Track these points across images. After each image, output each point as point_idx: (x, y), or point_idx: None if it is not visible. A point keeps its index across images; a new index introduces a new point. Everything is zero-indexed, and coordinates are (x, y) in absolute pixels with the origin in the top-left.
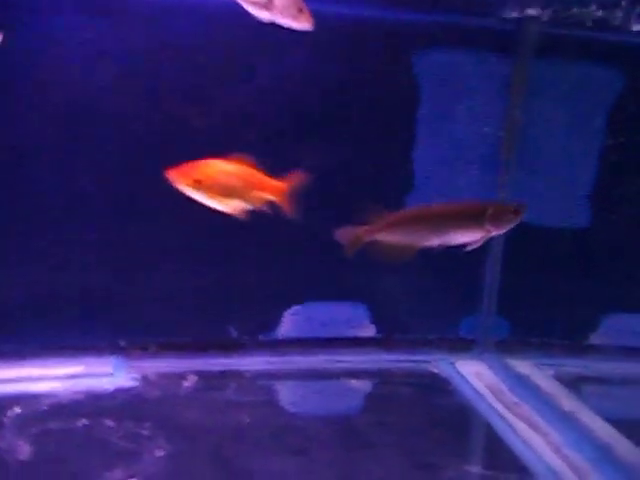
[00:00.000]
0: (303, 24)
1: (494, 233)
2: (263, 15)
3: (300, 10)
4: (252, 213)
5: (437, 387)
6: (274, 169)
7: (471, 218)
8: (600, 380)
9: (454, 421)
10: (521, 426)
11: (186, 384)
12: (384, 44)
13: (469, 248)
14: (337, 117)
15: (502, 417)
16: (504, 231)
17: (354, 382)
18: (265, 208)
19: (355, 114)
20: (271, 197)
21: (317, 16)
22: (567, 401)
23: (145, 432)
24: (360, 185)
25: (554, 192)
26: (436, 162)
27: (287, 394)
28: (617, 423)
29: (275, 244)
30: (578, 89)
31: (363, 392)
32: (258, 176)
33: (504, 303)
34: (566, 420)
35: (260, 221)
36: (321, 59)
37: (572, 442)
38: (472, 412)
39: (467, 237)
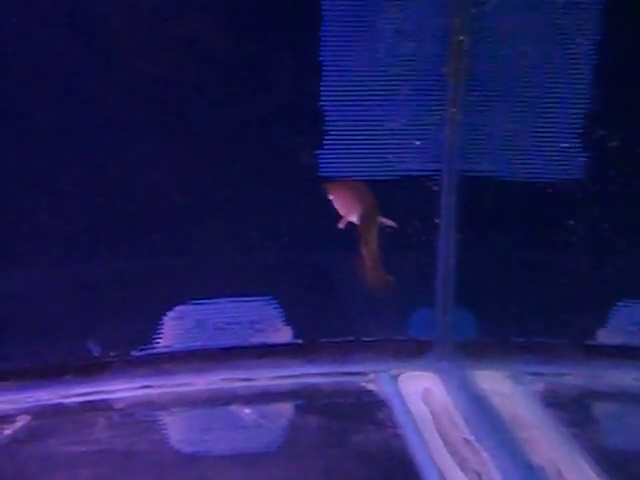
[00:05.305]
0: None
1: None
2: None
3: None
4: None
5: (365, 414)
6: None
7: None
8: (613, 398)
9: (370, 472)
10: None
11: (7, 432)
12: None
13: None
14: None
15: (440, 469)
16: None
17: (249, 411)
18: None
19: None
20: None
21: None
22: (553, 440)
23: None
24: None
25: (526, 136)
26: (353, 96)
27: (175, 430)
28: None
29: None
30: None
31: (259, 425)
32: None
33: (466, 289)
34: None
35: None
36: None
37: None
38: (399, 457)
39: None
